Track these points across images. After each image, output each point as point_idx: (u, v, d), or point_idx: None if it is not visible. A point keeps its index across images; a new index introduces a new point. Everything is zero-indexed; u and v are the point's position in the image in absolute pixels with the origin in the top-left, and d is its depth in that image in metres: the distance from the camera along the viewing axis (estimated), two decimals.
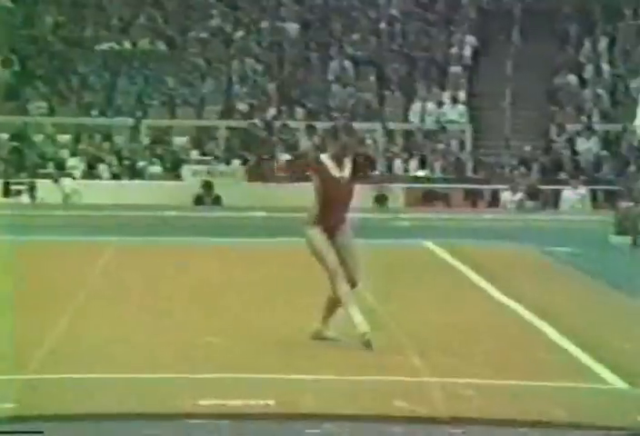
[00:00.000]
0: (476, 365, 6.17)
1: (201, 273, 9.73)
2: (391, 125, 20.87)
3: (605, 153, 19.99)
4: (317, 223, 6.63)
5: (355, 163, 6.68)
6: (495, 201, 18.80)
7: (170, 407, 5.12)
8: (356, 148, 6.88)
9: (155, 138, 20.98)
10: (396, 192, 18.93)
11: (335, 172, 6.64)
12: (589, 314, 7.83)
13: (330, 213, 6.63)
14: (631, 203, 13.29)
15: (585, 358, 6.39)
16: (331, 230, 6.65)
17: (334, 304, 6.72)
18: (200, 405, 5.14)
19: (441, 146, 20.34)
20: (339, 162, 6.65)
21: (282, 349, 6.53)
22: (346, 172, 6.66)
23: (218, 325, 7.21)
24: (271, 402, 5.19)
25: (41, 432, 4.77)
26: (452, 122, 21.04)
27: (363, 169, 6.73)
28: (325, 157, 6.68)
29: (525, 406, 5.29)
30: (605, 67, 21.77)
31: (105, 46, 22.75)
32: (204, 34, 23.14)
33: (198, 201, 18.33)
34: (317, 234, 6.64)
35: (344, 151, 6.64)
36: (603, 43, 22.24)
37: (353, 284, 6.67)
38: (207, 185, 18.34)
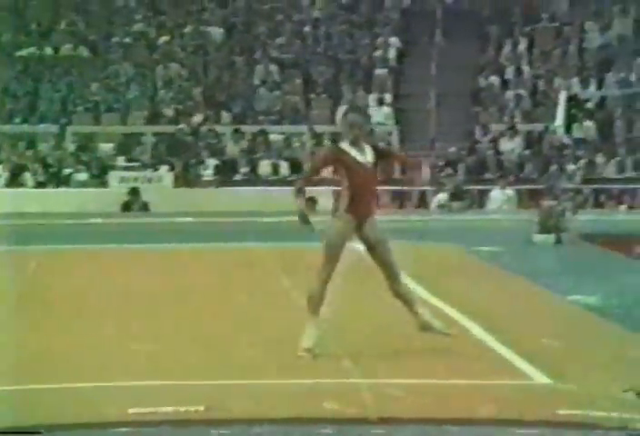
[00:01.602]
0: (405, 365, 6.24)
1: (129, 280, 9.66)
2: (318, 128, 20.94)
3: (527, 152, 20.33)
4: (348, 212, 6.49)
5: (375, 148, 6.57)
6: (422, 202, 18.97)
7: (99, 416, 5.08)
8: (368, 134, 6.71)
9: (81, 145, 20.75)
10: (325, 194, 18.99)
11: (360, 158, 6.51)
12: (514, 312, 7.96)
13: (360, 201, 6.48)
14: (553, 202, 13.53)
15: (510, 355, 6.49)
16: (360, 219, 6.49)
17: (403, 298, 6.58)
18: (129, 413, 5.12)
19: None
20: (360, 148, 6.53)
21: (211, 354, 6.53)
22: (369, 157, 6.53)
23: (147, 332, 7.17)
24: (201, 408, 5.19)
25: (39, 433, 4.71)
26: (378, 124, 21.18)
27: (387, 153, 6.68)
28: (345, 145, 6.54)
29: (453, 405, 5.36)
30: (526, 68, 22.14)
31: (24, 52, 22.43)
32: (127, 39, 22.96)
33: (125, 207, 18.18)
34: (341, 228, 6.49)
35: (361, 136, 6.49)
36: (522, 44, 22.62)
37: (395, 276, 6.53)
38: (134, 192, 18.20)
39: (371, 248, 6.58)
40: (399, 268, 6.61)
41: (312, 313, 6.46)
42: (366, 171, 6.52)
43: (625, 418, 4.93)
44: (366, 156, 6.54)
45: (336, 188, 7.23)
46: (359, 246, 6.75)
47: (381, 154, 6.61)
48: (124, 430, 4.93)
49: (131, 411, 5.14)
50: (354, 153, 6.52)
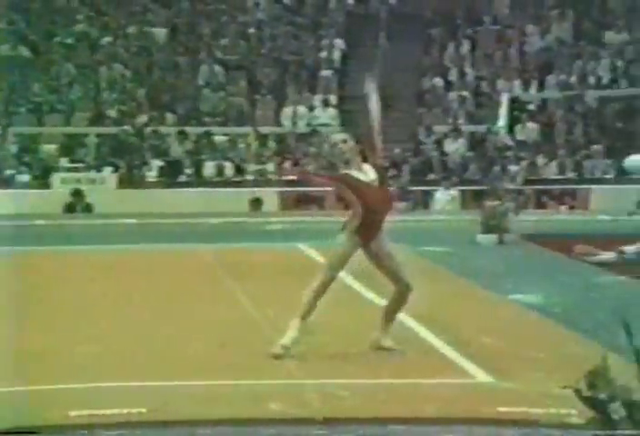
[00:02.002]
0: (350, 365, 6.28)
1: (71, 282, 9.59)
2: (263, 129, 20.94)
3: (471, 154, 20.53)
4: (356, 233, 6.42)
5: (374, 166, 6.44)
6: None
7: (39, 420, 5.04)
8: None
9: (23, 146, 20.52)
10: (270, 196, 19.00)
11: (362, 177, 6.42)
12: (457, 311, 8.04)
13: (372, 221, 6.40)
14: (496, 203, 13.68)
15: (453, 354, 6.57)
16: (367, 238, 6.43)
17: (391, 314, 6.60)
18: (70, 416, 5.09)
19: (313, 149, 20.51)
20: (358, 167, 6.43)
21: (153, 356, 6.51)
22: (372, 175, 6.43)
23: (89, 334, 7.13)
24: (143, 410, 5.17)
25: (35, 433, 4.66)
26: (324, 125, 21.25)
27: (383, 172, 6.48)
28: (350, 169, 6.40)
29: (397, 404, 5.40)
30: (469, 70, 22.35)
31: None
32: (69, 40, 22.74)
33: (69, 209, 18.02)
34: (346, 242, 6.43)
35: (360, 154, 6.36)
36: (465, 47, 22.84)
37: (407, 291, 6.52)
38: (77, 193, 18.06)
39: (378, 261, 6.53)
40: (411, 283, 6.54)
41: (299, 317, 6.44)
42: (375, 191, 6.40)
43: (563, 414, 5.02)
44: (368, 175, 6.43)
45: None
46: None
47: (380, 173, 6.46)
48: (66, 433, 4.90)
49: (72, 413, 5.10)
50: (353, 172, 6.43)
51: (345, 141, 6.53)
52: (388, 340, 6.65)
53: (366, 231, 6.45)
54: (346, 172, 6.47)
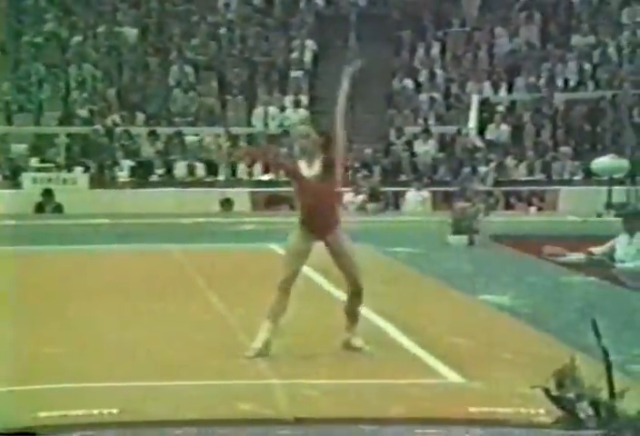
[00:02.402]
0: (320, 366, 6.30)
1: (42, 282, 9.55)
2: (234, 130, 20.92)
3: (441, 155, 20.62)
4: (302, 226, 6.43)
5: (324, 160, 6.38)
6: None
7: (8, 421, 5.02)
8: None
9: None
10: (242, 196, 19.00)
11: (305, 170, 6.39)
12: (426, 312, 8.08)
13: (314, 215, 6.37)
14: (466, 204, 13.75)
15: (422, 354, 6.60)
16: (319, 234, 6.40)
17: (352, 313, 6.57)
18: (40, 417, 5.07)
19: (284, 150, 20.52)
20: (310, 160, 6.39)
21: (124, 356, 6.50)
22: (315, 170, 6.38)
23: (59, 335, 7.10)
24: (115, 411, 5.17)
25: (33, 434, 4.62)
26: (294, 126, 21.28)
27: (331, 167, 6.35)
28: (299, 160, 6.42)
29: (367, 404, 5.43)
30: (439, 72, 22.46)
31: None
32: (38, 39, 22.62)
33: (39, 209, 17.93)
34: (294, 237, 6.44)
35: (310, 147, 6.35)
36: (435, 49, 22.94)
37: (358, 290, 6.50)
38: (48, 193, 17.96)
39: (335, 258, 6.52)
40: (363, 283, 6.54)
41: (267, 319, 6.44)
42: (313, 186, 6.38)
43: (532, 413, 5.07)
44: (314, 169, 6.41)
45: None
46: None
47: (325, 169, 6.38)
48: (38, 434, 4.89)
49: (42, 414, 5.09)
50: (302, 165, 6.42)
51: (307, 135, 6.53)
52: (358, 339, 6.66)
53: (312, 225, 6.43)
54: (296, 163, 6.47)
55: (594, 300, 8.68)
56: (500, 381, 5.85)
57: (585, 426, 4.67)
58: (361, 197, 18.14)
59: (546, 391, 4.73)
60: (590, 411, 4.66)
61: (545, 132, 21.05)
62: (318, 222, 6.44)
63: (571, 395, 4.68)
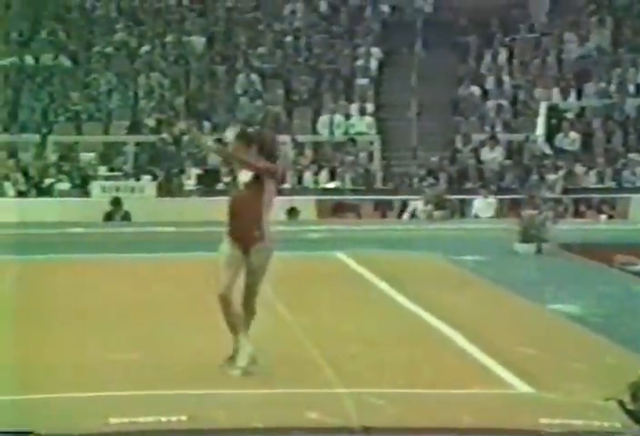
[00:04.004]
0: (388, 375, 6.25)
1: (111, 290, 9.64)
2: (300, 138, 20.96)
3: (508, 162, 20.41)
4: (229, 238, 6.31)
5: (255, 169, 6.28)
6: (404, 211, 19.01)
7: (79, 427, 5.06)
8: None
9: (62, 154, 20.70)
10: (308, 204, 19.02)
11: (241, 177, 6.33)
12: (496, 321, 7.99)
13: (235, 225, 6.26)
14: (534, 212, 13.59)
15: (492, 364, 6.52)
16: (242, 245, 6.24)
17: (238, 322, 6.30)
18: (110, 424, 5.10)
19: (350, 158, 20.51)
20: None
21: (193, 364, 6.52)
22: (245, 178, 6.34)
23: (128, 342, 7.15)
24: (183, 418, 5.18)
25: (30, 433, 4.68)
26: (360, 133, 21.24)
27: (259, 177, 6.25)
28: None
29: (435, 414, 5.37)
30: (506, 79, 22.26)
31: (5, 61, 22.37)
32: (108, 49, 22.95)
33: (107, 217, 18.13)
34: (222, 248, 6.32)
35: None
36: (502, 55, 22.74)
37: (249, 312, 6.30)
38: (116, 201, 18.16)
39: (247, 273, 6.32)
40: (255, 309, 6.34)
41: (235, 336, 6.24)
42: (238, 193, 6.28)
43: (606, 426, 4.97)
44: (247, 177, 6.27)
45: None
46: None
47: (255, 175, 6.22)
48: None
49: (112, 421, 5.12)
50: (242, 172, 6.31)
51: (234, 141, 6.46)
52: (242, 359, 6.21)
53: (233, 232, 6.25)
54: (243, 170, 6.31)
55: None
56: (572, 393, 5.74)
57: None
58: (419, 204, 18.06)
59: (621, 404, 4.62)
60: None
61: (616, 138, 20.73)
62: (238, 233, 6.26)
63: None
